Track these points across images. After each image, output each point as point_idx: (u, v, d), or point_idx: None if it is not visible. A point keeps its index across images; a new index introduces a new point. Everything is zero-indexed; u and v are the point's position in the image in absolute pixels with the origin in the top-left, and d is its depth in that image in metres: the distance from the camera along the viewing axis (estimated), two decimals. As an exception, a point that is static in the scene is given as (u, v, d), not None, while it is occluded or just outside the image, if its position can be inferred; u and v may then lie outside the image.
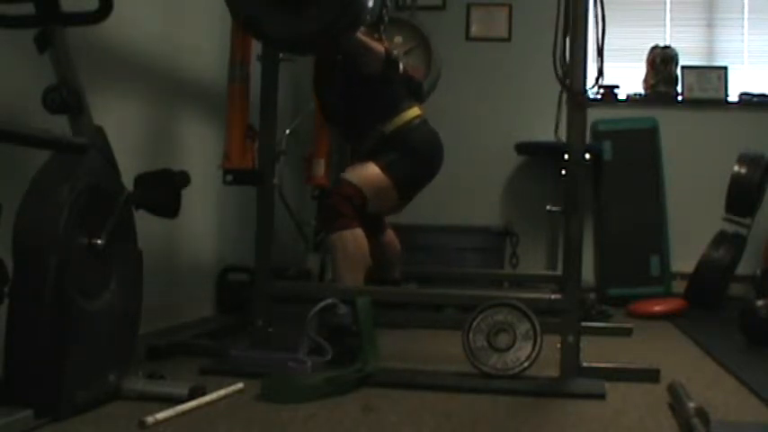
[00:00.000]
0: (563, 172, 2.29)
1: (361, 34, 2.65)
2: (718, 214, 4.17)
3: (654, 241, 4.49)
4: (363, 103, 2.88)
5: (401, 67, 2.92)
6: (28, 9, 1.76)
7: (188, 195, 2.19)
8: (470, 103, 4.75)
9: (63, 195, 1.67)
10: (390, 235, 3.20)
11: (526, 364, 2.15)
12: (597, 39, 2.29)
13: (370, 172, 2.78)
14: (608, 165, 4.56)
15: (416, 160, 2.87)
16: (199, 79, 3.31)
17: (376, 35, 2.94)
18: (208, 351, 2.41)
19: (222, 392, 1.89)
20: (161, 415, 1.66)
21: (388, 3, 3.09)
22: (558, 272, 3.67)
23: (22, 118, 2.00)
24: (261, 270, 2.48)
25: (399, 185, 2.82)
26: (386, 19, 3.04)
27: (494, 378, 2.13)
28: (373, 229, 2.96)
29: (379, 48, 2.80)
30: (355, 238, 2.68)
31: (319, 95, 3.04)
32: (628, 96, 4.75)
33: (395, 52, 2.98)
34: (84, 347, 1.70)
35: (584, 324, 2.33)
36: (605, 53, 2.31)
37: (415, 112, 2.92)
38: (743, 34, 4.76)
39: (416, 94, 3.08)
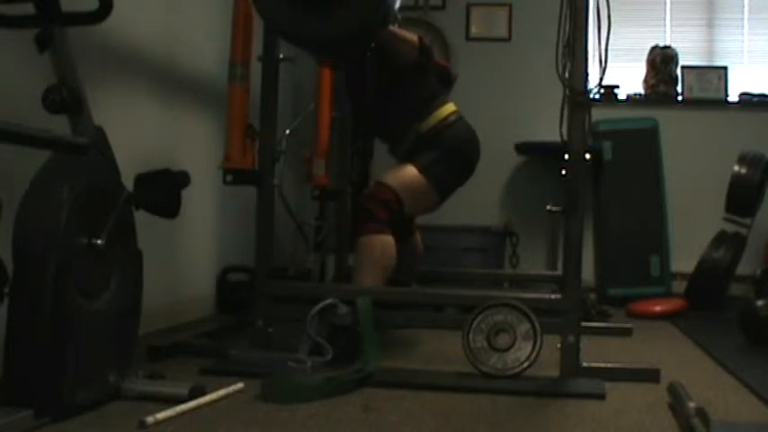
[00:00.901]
0: (563, 172, 2.29)
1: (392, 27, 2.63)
2: (719, 214, 4.17)
3: (654, 241, 4.48)
4: (398, 100, 2.84)
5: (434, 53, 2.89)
6: (28, 9, 1.76)
7: (188, 195, 2.19)
8: (470, 103, 4.71)
9: (63, 195, 1.67)
10: (417, 238, 3.18)
11: (526, 365, 2.15)
12: (600, 39, 2.29)
13: (408, 175, 2.75)
14: (608, 165, 4.56)
15: (453, 159, 2.83)
16: (199, 79, 3.31)
17: None
18: (208, 351, 2.41)
19: (222, 392, 1.89)
20: (161, 415, 1.66)
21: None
22: (558, 272, 3.67)
23: (22, 118, 1.99)
24: (261, 270, 2.48)
25: (438, 186, 2.79)
26: (399, 17, 3.03)
27: (494, 378, 2.13)
28: (405, 231, 2.93)
29: (411, 36, 2.77)
30: (384, 244, 2.64)
31: (353, 98, 3.02)
32: (628, 96, 4.74)
33: (427, 39, 2.95)
34: (84, 347, 1.70)
35: (584, 324, 2.34)
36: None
37: (449, 108, 2.88)
38: (743, 34, 4.75)
39: (447, 83, 3.05)
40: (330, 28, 2.20)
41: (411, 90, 2.83)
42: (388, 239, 2.66)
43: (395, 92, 2.83)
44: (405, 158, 2.83)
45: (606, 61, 2.33)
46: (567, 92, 2.28)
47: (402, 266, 2.95)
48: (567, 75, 2.30)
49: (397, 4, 2.31)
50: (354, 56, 2.82)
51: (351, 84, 2.99)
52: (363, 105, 2.96)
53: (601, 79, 2.34)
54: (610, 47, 2.34)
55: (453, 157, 2.83)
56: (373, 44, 2.64)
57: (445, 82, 3.01)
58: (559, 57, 2.31)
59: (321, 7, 2.17)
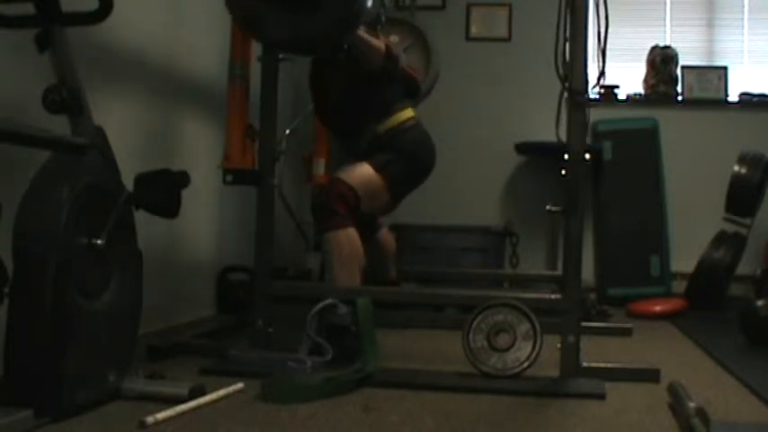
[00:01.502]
0: (563, 172, 2.29)
1: (361, 31, 2.66)
2: (719, 214, 4.17)
3: (654, 241, 4.49)
4: (359, 102, 2.88)
5: (402, 62, 2.91)
6: (28, 9, 1.76)
7: (188, 195, 2.19)
8: (470, 103, 4.75)
9: (63, 195, 1.67)
10: (386, 234, 3.21)
11: (526, 365, 2.15)
12: (600, 38, 2.29)
13: (363, 172, 2.79)
14: (608, 165, 4.56)
15: (408, 161, 2.87)
16: (199, 79, 3.31)
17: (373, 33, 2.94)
18: (208, 351, 2.41)
19: (222, 392, 1.89)
20: (161, 415, 1.66)
21: (386, 2, 3.09)
22: (558, 272, 3.67)
23: (22, 118, 2.00)
24: (261, 270, 2.48)
25: (392, 186, 2.83)
26: (383, 18, 3.04)
27: (494, 378, 2.13)
28: (368, 228, 2.96)
29: (379, 44, 2.80)
30: (349, 237, 2.69)
31: (316, 94, 3.03)
32: (628, 96, 4.75)
33: (399, 49, 2.97)
34: (84, 347, 1.70)
35: (584, 324, 2.33)
36: (606, 53, 2.31)
37: (408, 113, 2.92)
38: (743, 34, 4.76)
39: (414, 94, 3.08)
40: (301, 28, 2.19)
41: (373, 94, 2.86)
42: (351, 232, 2.70)
43: (359, 93, 2.86)
44: (360, 157, 2.85)
45: (604, 61, 2.33)
46: (566, 92, 2.28)
47: (377, 266, 2.97)
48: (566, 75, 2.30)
49: (369, 3, 2.31)
50: (326, 55, 2.84)
51: (318, 81, 3.01)
52: (327, 104, 2.98)
53: (599, 78, 2.33)
54: (610, 47, 2.33)
55: (408, 160, 2.87)
56: (346, 43, 2.66)
57: (411, 90, 3.04)
58: (559, 57, 2.31)
59: (292, 7, 2.16)
